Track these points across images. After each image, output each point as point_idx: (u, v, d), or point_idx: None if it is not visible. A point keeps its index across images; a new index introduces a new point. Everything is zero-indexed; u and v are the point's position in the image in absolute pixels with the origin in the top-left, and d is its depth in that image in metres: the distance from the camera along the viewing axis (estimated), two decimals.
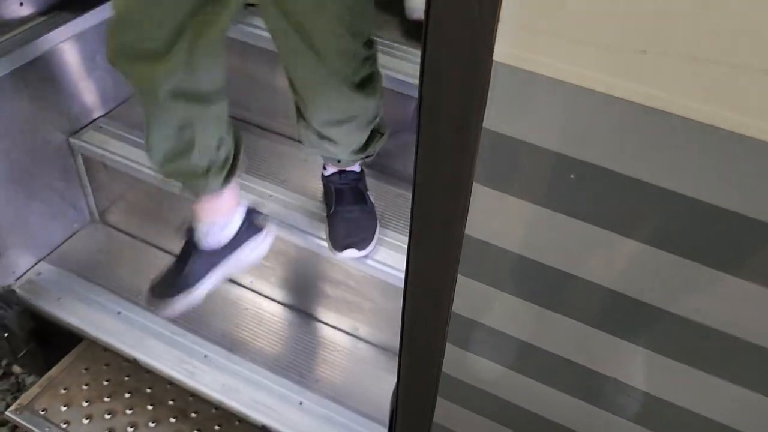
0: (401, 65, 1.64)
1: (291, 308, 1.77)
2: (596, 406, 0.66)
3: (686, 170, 0.45)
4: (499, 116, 0.48)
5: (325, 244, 1.57)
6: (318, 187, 1.71)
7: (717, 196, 0.46)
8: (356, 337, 1.71)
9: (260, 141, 1.85)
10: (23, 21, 1.61)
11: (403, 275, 1.47)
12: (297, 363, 1.65)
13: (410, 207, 0.56)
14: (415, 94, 1.50)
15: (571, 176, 0.48)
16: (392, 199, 1.70)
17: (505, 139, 0.49)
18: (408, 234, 0.58)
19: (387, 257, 1.55)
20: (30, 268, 1.79)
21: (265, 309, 1.76)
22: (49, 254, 1.83)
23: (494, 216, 0.54)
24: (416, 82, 1.48)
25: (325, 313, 1.73)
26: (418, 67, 1.50)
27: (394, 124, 1.67)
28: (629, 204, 0.48)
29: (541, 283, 0.57)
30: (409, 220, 1.58)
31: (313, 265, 1.66)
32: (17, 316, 1.75)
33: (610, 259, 0.52)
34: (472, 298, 0.61)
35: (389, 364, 1.66)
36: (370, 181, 1.70)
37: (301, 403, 1.57)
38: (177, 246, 1.84)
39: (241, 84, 1.84)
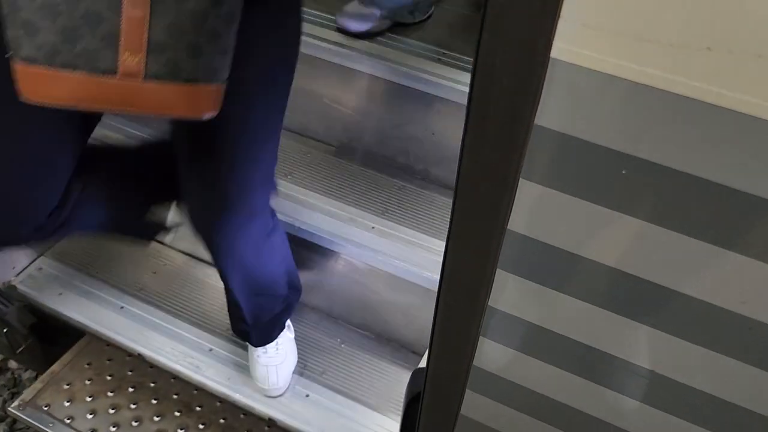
0: (401, 56, 1.64)
1: None
2: (616, 391, 0.67)
3: (749, 167, 0.45)
4: (551, 112, 0.48)
5: (327, 236, 1.57)
6: (323, 178, 1.71)
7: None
8: (362, 329, 1.72)
9: None
10: None
11: (408, 266, 1.50)
12: (303, 356, 1.65)
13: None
14: (412, 83, 1.51)
15: (623, 172, 0.49)
16: (396, 192, 1.70)
17: (556, 135, 0.49)
18: (448, 228, 0.59)
19: (393, 249, 1.55)
20: (30, 264, 1.78)
21: None
22: (49, 249, 1.82)
23: (539, 211, 0.55)
24: (411, 71, 1.49)
25: (330, 306, 1.73)
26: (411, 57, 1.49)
27: (397, 116, 1.68)
28: (685, 201, 0.49)
29: (582, 278, 0.58)
30: (411, 211, 1.59)
31: (317, 258, 1.66)
32: (17, 312, 1.73)
33: (658, 255, 0.53)
34: (508, 291, 0.62)
35: (395, 355, 1.67)
36: (371, 174, 1.71)
37: (307, 396, 1.58)
38: (177, 239, 1.84)
39: None
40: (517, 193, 0.53)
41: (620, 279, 0.56)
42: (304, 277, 1.71)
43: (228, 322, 1.70)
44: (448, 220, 1.62)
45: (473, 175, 0.53)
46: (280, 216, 1.58)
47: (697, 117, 0.45)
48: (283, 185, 1.67)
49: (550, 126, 0.49)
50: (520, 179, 0.52)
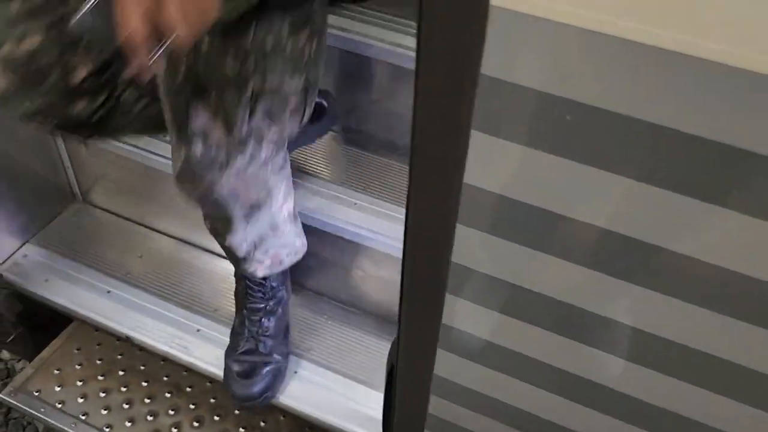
0: (368, 29, 1.63)
1: None
2: (592, 347, 0.68)
3: (680, 105, 0.46)
4: (496, 61, 0.49)
5: (311, 214, 1.58)
6: (304, 157, 1.71)
7: (707, 129, 0.47)
8: (347, 305, 1.73)
9: None
10: None
11: (391, 241, 1.51)
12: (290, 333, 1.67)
13: (408, 171, 0.58)
14: (390, 58, 1.50)
15: (568, 117, 0.50)
16: (378, 168, 1.71)
17: (502, 84, 0.50)
18: (407, 186, 0.60)
19: (375, 224, 1.56)
20: (15, 251, 1.78)
21: None
22: (33, 236, 1.82)
23: (493, 162, 0.56)
24: (386, 46, 1.48)
25: (314, 283, 1.74)
26: (384, 30, 1.48)
27: (376, 92, 1.68)
28: (625, 142, 0.49)
29: (539, 227, 0.59)
30: (393, 187, 1.59)
31: None
32: (5, 300, 1.74)
33: (606, 198, 0.54)
34: (471, 246, 0.63)
35: (380, 330, 1.69)
36: (353, 151, 1.72)
37: (295, 372, 1.59)
38: (162, 223, 1.84)
39: None
40: (471, 144, 0.54)
41: (574, 228, 0.57)
42: None
43: (215, 302, 1.72)
44: None
45: (426, 129, 0.54)
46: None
47: (633, 58, 0.45)
48: None
49: (496, 75, 0.50)
50: (472, 131, 0.53)
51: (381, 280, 1.64)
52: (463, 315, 0.72)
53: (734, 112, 0.46)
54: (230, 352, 1.53)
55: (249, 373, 1.50)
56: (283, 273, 1.53)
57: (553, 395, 0.80)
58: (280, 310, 1.54)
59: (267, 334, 1.53)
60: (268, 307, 1.52)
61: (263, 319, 1.52)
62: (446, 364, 0.79)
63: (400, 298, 0.71)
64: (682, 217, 0.53)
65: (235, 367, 1.51)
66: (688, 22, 0.43)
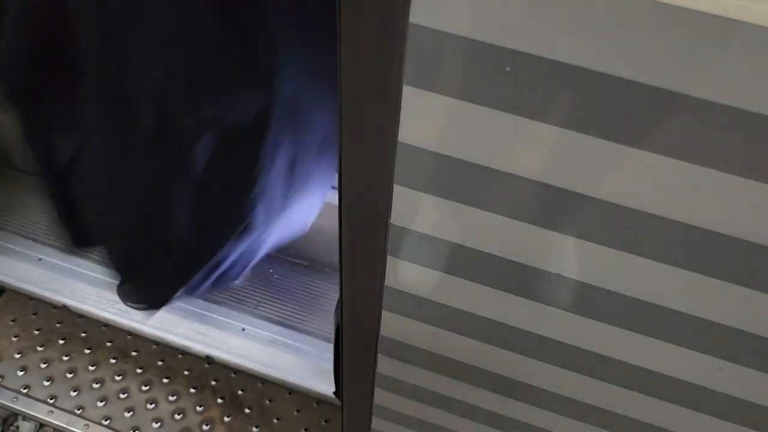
0: None
1: None
2: (529, 298, 0.66)
3: (640, 56, 0.43)
4: (425, 9, 0.44)
5: None
6: None
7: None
8: (290, 258, 1.69)
9: None
10: None
11: (337, 192, 1.46)
12: (234, 290, 1.62)
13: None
14: None
15: (507, 69, 0.45)
16: None
17: (434, 33, 0.45)
18: (339, 146, 0.55)
19: None
20: None
21: None
22: None
23: (427, 119, 0.51)
24: None
25: None
26: None
27: None
28: (577, 96, 0.46)
29: (476, 184, 0.55)
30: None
31: None
32: None
33: (543, 151, 0.50)
34: (410, 207, 0.59)
35: (328, 281, 1.66)
36: None
37: (243, 329, 1.56)
38: None
39: None
40: (402, 101, 0.50)
41: (516, 184, 0.54)
42: None
43: None
44: None
45: (354, 88, 0.49)
46: None
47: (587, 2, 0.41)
48: None
49: (426, 24, 0.45)
50: (404, 86, 0.49)
51: (324, 231, 1.61)
52: (403, 275, 0.69)
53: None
54: None
55: None
56: None
57: (497, 348, 0.78)
58: None
59: None
60: None
61: None
62: (390, 324, 0.76)
63: (340, 262, 0.67)
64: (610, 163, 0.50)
65: None
66: None
